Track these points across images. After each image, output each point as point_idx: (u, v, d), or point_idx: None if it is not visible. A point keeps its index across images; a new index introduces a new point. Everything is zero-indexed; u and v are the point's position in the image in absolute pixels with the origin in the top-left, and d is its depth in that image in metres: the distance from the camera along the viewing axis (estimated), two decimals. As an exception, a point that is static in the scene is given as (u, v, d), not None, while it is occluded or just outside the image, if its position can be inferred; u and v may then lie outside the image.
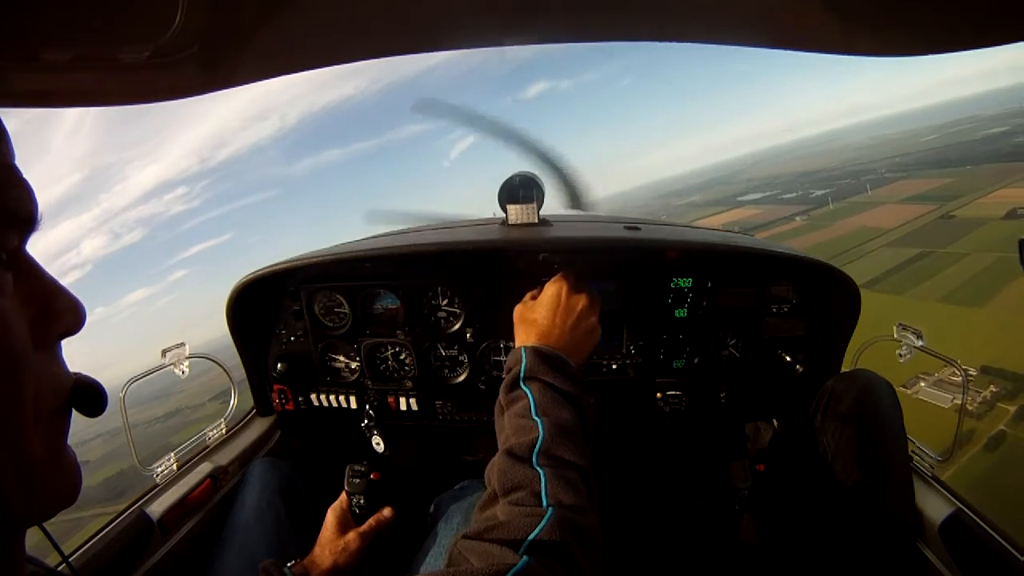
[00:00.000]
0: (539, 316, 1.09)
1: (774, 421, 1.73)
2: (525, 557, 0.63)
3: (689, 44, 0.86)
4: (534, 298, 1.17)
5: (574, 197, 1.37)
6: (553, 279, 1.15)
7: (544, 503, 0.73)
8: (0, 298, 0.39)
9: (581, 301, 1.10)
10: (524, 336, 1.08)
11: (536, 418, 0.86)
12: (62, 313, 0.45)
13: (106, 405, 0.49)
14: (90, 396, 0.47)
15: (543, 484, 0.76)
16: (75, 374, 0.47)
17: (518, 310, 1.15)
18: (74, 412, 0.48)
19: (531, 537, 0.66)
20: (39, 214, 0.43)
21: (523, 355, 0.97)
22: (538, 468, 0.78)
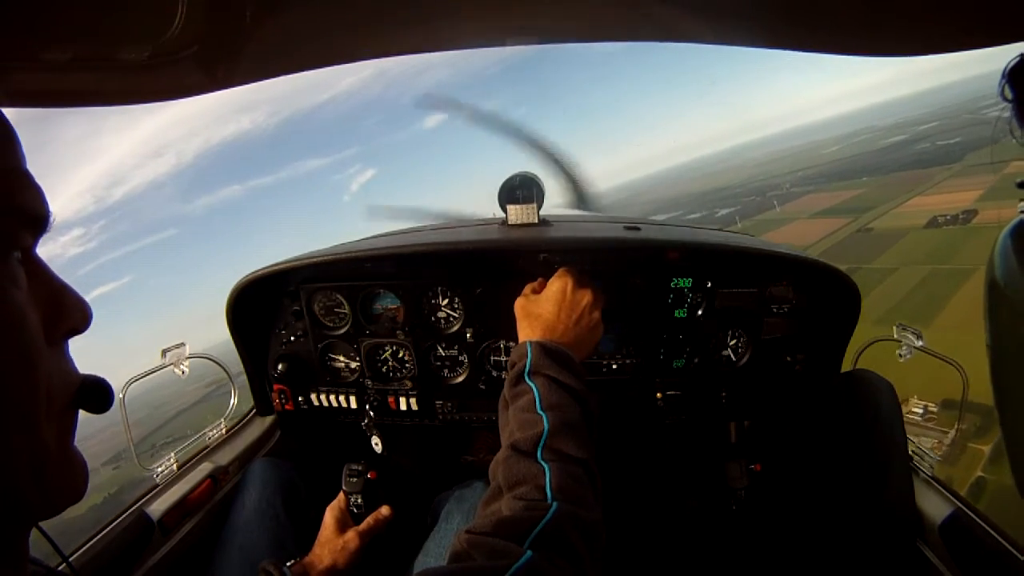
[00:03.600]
0: (544, 311, 1.09)
1: (773, 421, 1.73)
2: (529, 552, 0.63)
3: (688, 45, 0.86)
4: (535, 292, 1.17)
5: (579, 195, 1.37)
6: (558, 274, 1.15)
7: (548, 497, 0.73)
8: (17, 293, 0.41)
9: (585, 297, 1.10)
10: (529, 330, 1.08)
11: (541, 412, 0.86)
12: (71, 311, 0.46)
13: (112, 402, 0.50)
14: (97, 394, 0.48)
15: (547, 478, 0.76)
16: (81, 374, 0.48)
17: (520, 303, 1.14)
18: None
19: (535, 532, 0.66)
20: (51, 216, 0.45)
21: (528, 350, 0.97)
22: (543, 462, 0.78)
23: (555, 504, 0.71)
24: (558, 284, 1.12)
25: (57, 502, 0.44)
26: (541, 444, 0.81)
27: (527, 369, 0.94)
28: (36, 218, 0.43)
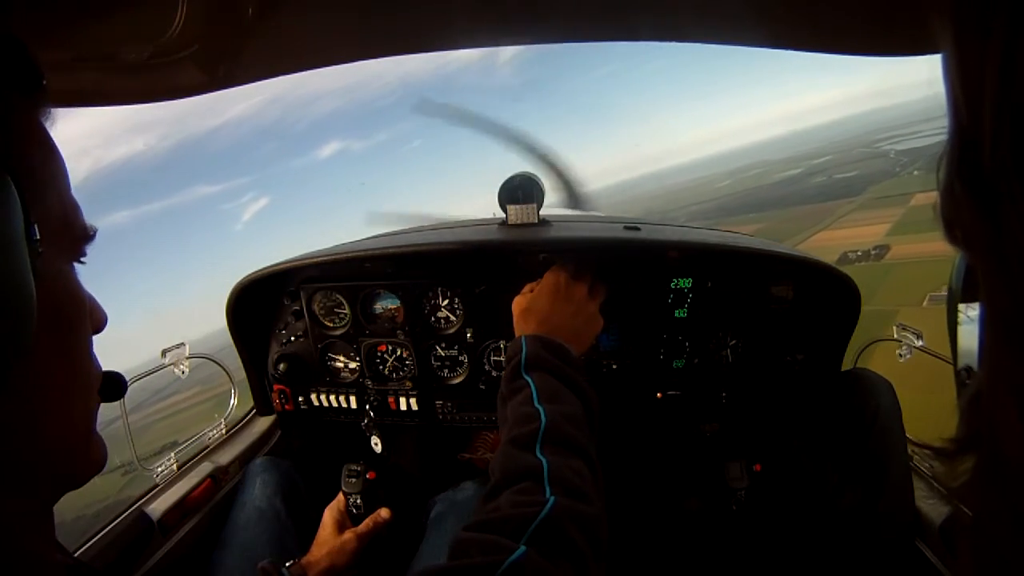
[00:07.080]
0: (538, 305, 1.08)
1: (773, 421, 1.73)
2: (523, 547, 0.62)
3: (688, 44, 0.86)
4: (532, 291, 1.17)
5: (572, 195, 1.37)
6: (551, 269, 1.15)
7: (547, 492, 0.72)
8: (82, 290, 0.50)
9: (580, 289, 1.10)
10: (524, 326, 1.07)
11: (539, 406, 0.84)
12: (96, 313, 0.54)
13: (125, 392, 0.60)
14: (114, 384, 0.57)
15: (546, 473, 0.74)
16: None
17: (517, 302, 1.14)
18: None
19: (532, 527, 0.65)
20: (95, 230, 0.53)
21: (523, 344, 0.96)
22: (541, 456, 0.77)
23: (553, 498, 0.70)
24: (551, 278, 1.12)
25: (88, 471, 0.52)
26: (539, 438, 0.79)
27: (523, 363, 0.93)
28: (89, 233, 0.51)
